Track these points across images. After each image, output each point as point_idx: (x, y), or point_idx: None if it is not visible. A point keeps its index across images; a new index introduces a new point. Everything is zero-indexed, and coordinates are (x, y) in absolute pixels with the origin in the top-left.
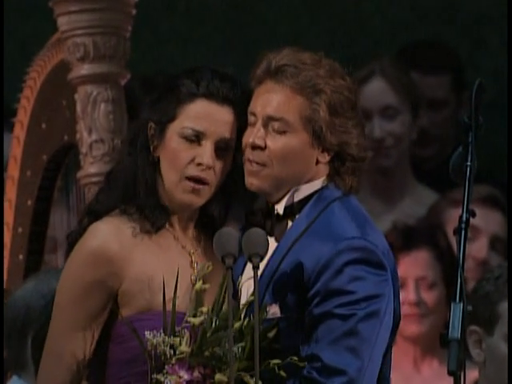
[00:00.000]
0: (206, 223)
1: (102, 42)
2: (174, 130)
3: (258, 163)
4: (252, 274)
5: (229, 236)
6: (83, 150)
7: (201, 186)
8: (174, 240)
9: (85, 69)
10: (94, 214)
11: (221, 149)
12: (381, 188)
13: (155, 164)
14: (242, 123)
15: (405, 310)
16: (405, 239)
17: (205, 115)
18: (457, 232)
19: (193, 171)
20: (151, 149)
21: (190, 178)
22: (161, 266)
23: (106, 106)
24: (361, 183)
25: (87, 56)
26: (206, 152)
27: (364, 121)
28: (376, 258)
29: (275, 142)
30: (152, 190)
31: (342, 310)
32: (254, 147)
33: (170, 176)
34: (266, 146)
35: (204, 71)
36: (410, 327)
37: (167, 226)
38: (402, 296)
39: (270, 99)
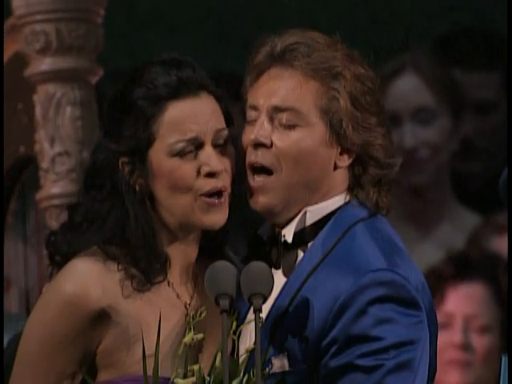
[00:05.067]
0: (206, 248)
1: (68, 30)
2: (158, 152)
3: (262, 166)
4: (252, 318)
5: (224, 271)
6: (44, 164)
7: (221, 200)
8: (169, 287)
9: (46, 63)
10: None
11: (220, 145)
12: (413, 210)
13: (145, 203)
14: (224, 107)
15: (447, 354)
16: (457, 268)
17: (187, 117)
18: (508, 267)
19: (206, 186)
20: (136, 188)
21: (206, 194)
22: (150, 322)
23: (73, 110)
24: (392, 202)
25: (49, 47)
26: (210, 157)
27: (391, 125)
28: (407, 295)
29: (283, 139)
30: (148, 238)
31: (365, 361)
32: (257, 145)
33: (179, 202)
34: (272, 144)
35: (149, 68)
36: (450, 376)
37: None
38: (445, 336)
39: (276, 87)
